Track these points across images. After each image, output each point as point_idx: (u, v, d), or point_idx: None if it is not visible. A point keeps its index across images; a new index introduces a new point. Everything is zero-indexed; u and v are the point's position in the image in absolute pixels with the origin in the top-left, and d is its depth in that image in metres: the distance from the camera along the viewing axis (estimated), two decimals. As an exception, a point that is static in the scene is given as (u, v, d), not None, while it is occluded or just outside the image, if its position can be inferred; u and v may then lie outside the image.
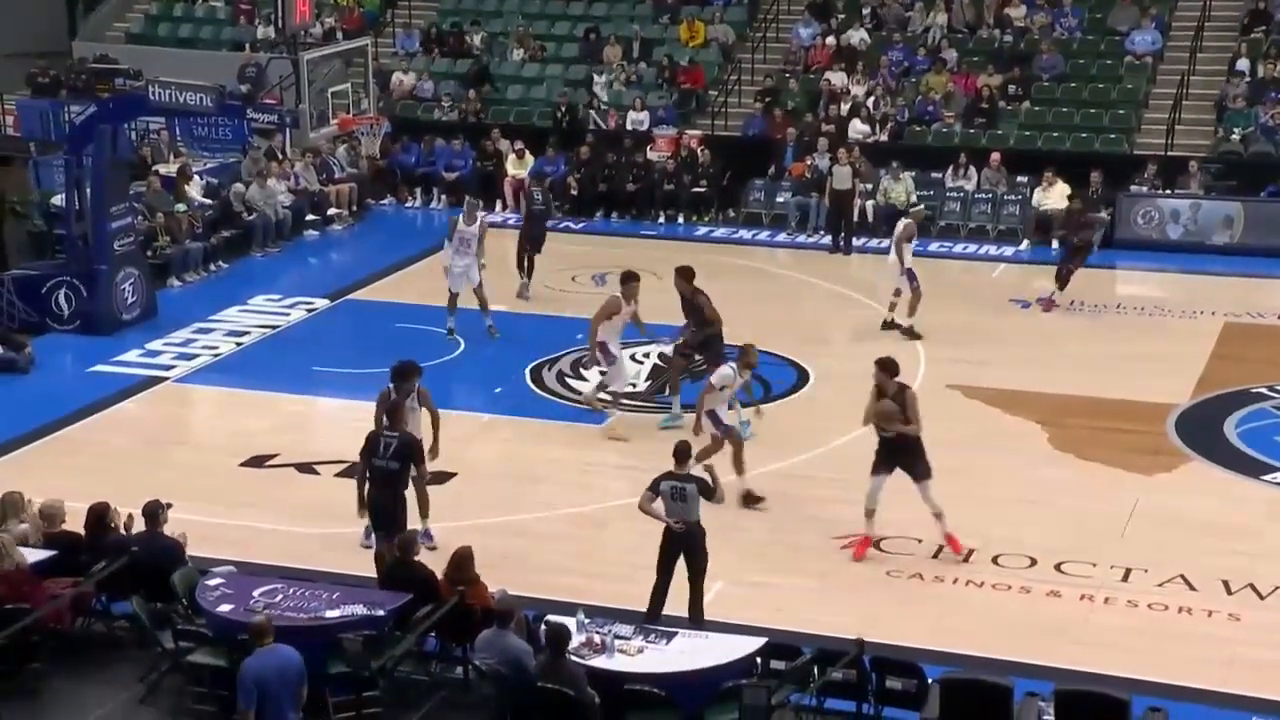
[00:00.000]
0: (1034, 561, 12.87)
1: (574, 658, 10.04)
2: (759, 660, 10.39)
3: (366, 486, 12.42)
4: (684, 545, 11.56)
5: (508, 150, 25.93)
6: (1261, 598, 12.30)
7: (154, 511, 11.66)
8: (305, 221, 24.26)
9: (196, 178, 23.44)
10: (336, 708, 10.32)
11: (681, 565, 11.60)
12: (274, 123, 25.59)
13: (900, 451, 12.84)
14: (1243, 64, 25.42)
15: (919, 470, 12.79)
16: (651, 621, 11.24)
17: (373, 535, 12.64)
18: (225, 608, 10.77)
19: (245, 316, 20.10)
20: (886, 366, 13.11)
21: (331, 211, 24.82)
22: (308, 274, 22.71)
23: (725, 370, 14.36)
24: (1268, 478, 14.73)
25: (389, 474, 12.32)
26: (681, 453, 11.74)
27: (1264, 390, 16.89)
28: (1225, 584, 12.47)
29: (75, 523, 12.05)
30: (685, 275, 16.42)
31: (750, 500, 14.07)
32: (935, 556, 12.99)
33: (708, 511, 13.46)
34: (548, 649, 9.93)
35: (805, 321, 19.48)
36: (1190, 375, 17.25)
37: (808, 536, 13.46)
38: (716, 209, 25.28)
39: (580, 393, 16.97)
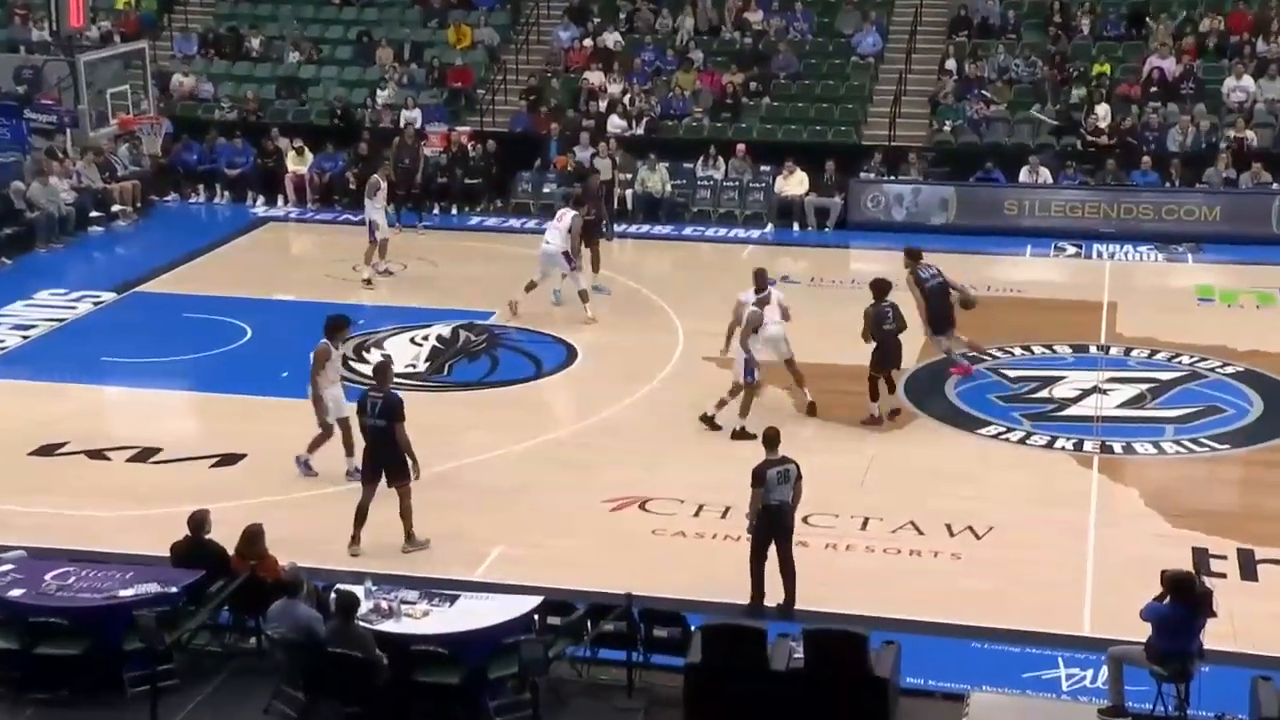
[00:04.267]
0: (783, 514, 13.11)
1: (363, 623, 9.86)
2: (537, 617, 10.37)
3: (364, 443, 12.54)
4: (784, 524, 11.34)
5: (287, 147, 25.24)
6: (978, 537, 12.79)
7: (-58, 502, 11.01)
8: (89, 218, 23.17)
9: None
10: (132, 682, 9.94)
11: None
12: (53, 123, 24.55)
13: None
14: (951, 64, 26.35)
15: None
16: (756, 607, 11.14)
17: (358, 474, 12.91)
18: (16, 592, 10.27)
19: (31, 310, 19.14)
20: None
21: (116, 208, 23.76)
22: (94, 268, 21.71)
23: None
24: (982, 431, 15.31)
25: (378, 431, 12.21)
26: (772, 439, 11.50)
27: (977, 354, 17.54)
28: (948, 527, 12.92)
29: None
30: None
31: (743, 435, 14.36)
32: (696, 515, 13.16)
33: (485, 478, 13.43)
34: (336, 616, 9.74)
35: (572, 302, 19.47)
36: (915, 342, 17.67)
37: (580, 500, 13.48)
38: (488, 200, 25.10)
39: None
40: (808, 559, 12.36)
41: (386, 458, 12.27)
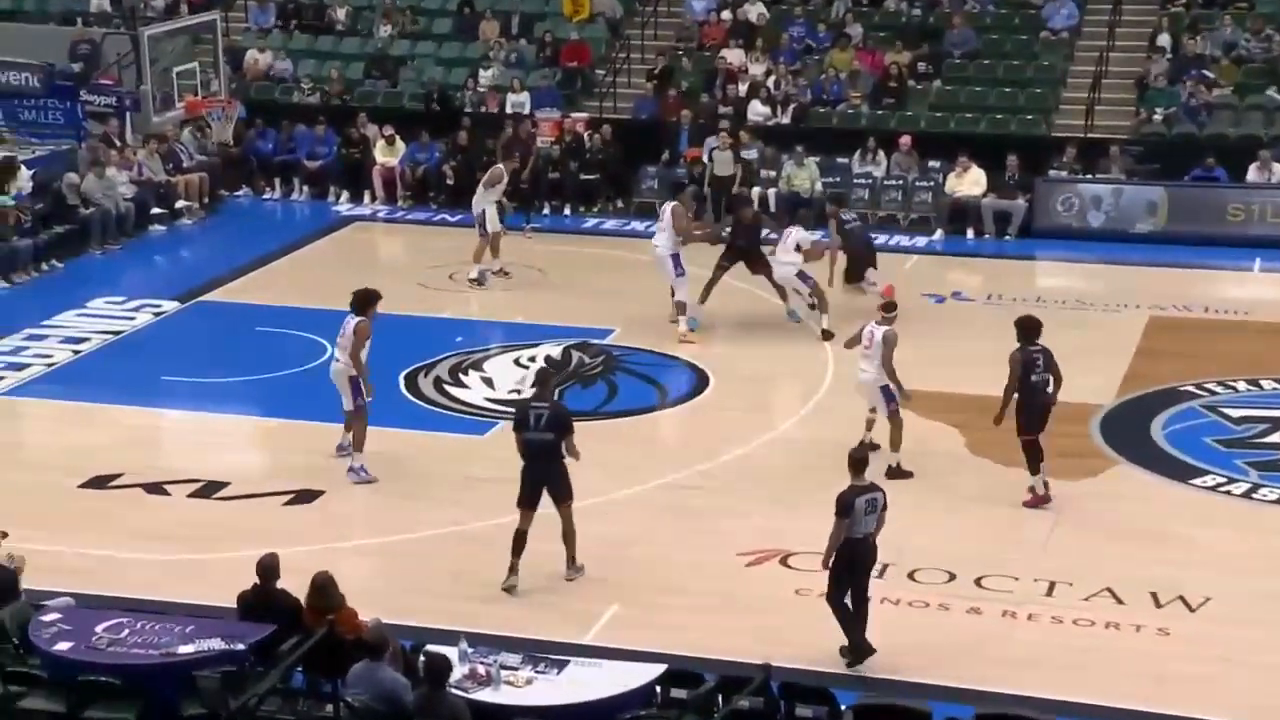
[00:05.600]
0: (952, 576, 13.03)
1: (456, 691, 9.98)
2: (658, 689, 10.39)
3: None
4: (868, 559, 11.61)
5: (375, 136, 25.73)
6: (1191, 610, 12.56)
7: (-13, 539, 11.39)
8: (150, 215, 23.86)
9: (24, 168, 22.89)
10: (192, 753, 10.16)
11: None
12: (112, 106, 25.35)
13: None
14: (1164, 39, 25.96)
15: None
16: (857, 656, 11.49)
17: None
18: (63, 646, 10.52)
19: (84, 321, 19.74)
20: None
21: (180, 204, 24.43)
22: (154, 273, 22.34)
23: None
24: (1196, 482, 15.04)
25: (545, 445, 12.67)
26: (859, 462, 11.77)
27: (1192, 388, 17.24)
28: (1154, 596, 12.72)
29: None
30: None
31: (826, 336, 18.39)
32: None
33: (598, 525, 13.52)
34: (426, 682, 9.86)
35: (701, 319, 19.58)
36: (1114, 373, 17.58)
37: (709, 552, 13.51)
38: (606, 198, 25.30)
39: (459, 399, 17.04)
40: (981, 629, 12.28)
41: (550, 475, 12.73)
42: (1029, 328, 14.41)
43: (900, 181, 24.47)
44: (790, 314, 19.29)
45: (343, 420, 15.16)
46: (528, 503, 12.80)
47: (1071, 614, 12.48)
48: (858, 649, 11.62)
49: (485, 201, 20.79)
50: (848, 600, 11.68)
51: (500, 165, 21.27)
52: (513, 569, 12.83)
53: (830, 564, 11.62)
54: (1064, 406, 15.35)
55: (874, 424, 15.19)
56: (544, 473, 12.74)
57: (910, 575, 13.04)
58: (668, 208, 19.34)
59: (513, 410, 13.66)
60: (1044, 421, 14.35)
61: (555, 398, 13.79)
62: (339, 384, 14.99)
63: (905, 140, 24.58)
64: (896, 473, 14.69)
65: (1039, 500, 14.32)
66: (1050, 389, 14.31)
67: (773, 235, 19.58)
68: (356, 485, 14.86)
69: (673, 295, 19.03)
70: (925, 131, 25.07)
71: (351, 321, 14.88)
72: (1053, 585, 12.90)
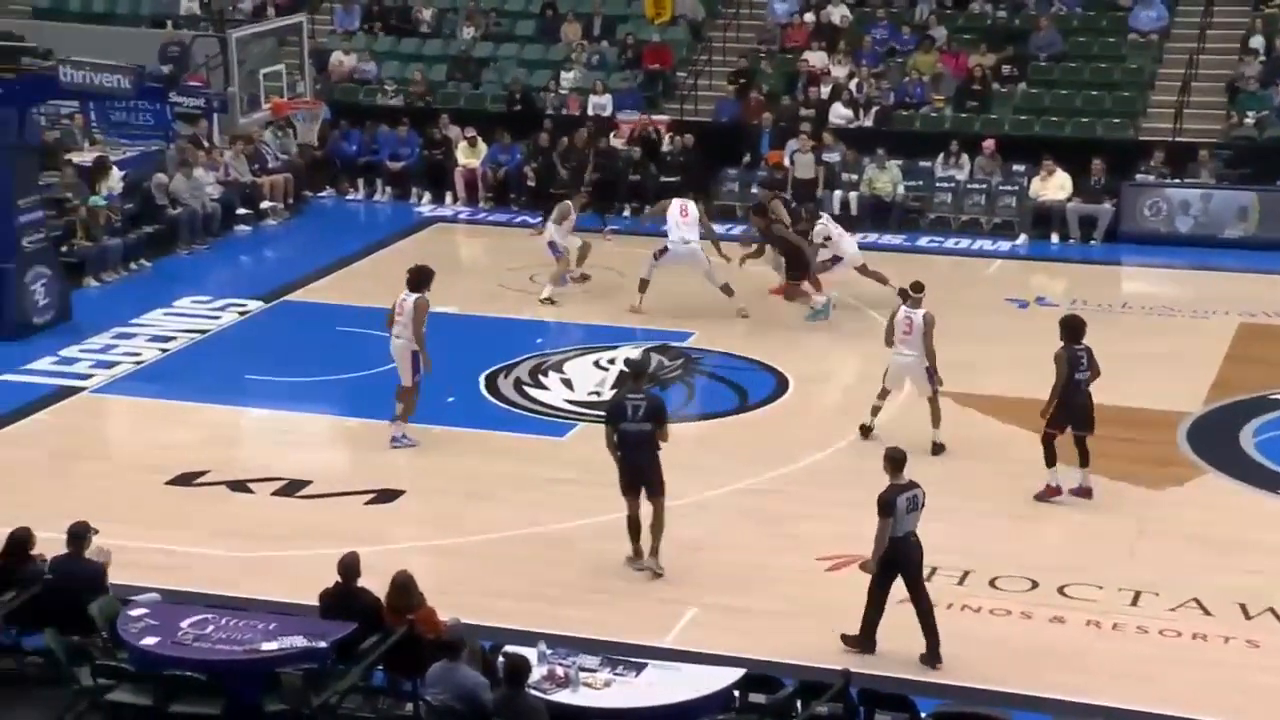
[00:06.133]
0: (1035, 584, 12.92)
1: (534, 692, 10.02)
2: (737, 694, 10.39)
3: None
4: (913, 557, 11.65)
5: (458, 137, 25.89)
6: (1282, 621, 12.41)
7: (81, 533, 11.52)
8: (236, 216, 24.13)
9: (115, 169, 23.22)
10: (274, 749, 10.27)
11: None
12: (200, 107, 25.62)
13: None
14: (1256, 41, 25.63)
15: None
16: (858, 645, 11.66)
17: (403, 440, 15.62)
18: (150, 640, 10.69)
19: (170, 320, 19.99)
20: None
21: (265, 205, 24.70)
22: (239, 273, 22.58)
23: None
24: (1287, 492, 14.86)
25: (643, 436, 12.97)
26: (898, 460, 11.81)
27: (1282, 396, 17.04)
28: (1243, 607, 12.55)
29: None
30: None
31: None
32: (928, 579, 13.00)
33: (677, 528, 13.52)
34: (505, 683, 9.91)
35: (779, 322, 19.52)
36: (1202, 380, 17.37)
37: (789, 557, 13.47)
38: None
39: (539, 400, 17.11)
40: (1064, 637, 12.17)
41: (647, 466, 12.98)
42: (1074, 327, 14.58)
43: (984, 185, 24.31)
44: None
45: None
46: (632, 490, 13.06)
47: (1157, 624, 12.35)
48: (861, 641, 11.73)
49: (557, 234, 20.72)
50: (889, 603, 11.73)
51: (568, 201, 21.23)
52: (637, 553, 13.14)
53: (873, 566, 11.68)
54: (1151, 413, 15.28)
55: (879, 410, 15.63)
56: (642, 463, 12.97)
57: (991, 582, 12.96)
58: (692, 205, 20.02)
59: (605, 406, 13.93)
60: (1089, 423, 14.38)
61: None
62: (399, 359, 15.68)
63: (989, 144, 24.42)
64: (939, 449, 15.32)
65: (1053, 493, 14.33)
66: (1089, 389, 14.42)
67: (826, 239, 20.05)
68: (397, 450, 15.63)
69: (723, 286, 19.63)
70: (1009, 135, 24.89)
71: (410, 298, 15.53)
72: (1138, 595, 12.76)
